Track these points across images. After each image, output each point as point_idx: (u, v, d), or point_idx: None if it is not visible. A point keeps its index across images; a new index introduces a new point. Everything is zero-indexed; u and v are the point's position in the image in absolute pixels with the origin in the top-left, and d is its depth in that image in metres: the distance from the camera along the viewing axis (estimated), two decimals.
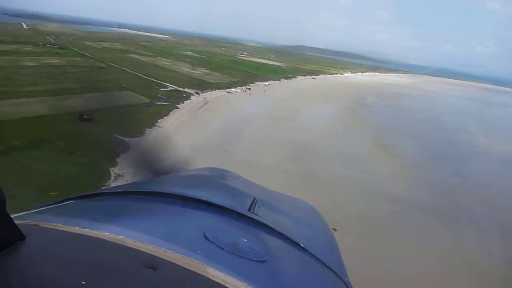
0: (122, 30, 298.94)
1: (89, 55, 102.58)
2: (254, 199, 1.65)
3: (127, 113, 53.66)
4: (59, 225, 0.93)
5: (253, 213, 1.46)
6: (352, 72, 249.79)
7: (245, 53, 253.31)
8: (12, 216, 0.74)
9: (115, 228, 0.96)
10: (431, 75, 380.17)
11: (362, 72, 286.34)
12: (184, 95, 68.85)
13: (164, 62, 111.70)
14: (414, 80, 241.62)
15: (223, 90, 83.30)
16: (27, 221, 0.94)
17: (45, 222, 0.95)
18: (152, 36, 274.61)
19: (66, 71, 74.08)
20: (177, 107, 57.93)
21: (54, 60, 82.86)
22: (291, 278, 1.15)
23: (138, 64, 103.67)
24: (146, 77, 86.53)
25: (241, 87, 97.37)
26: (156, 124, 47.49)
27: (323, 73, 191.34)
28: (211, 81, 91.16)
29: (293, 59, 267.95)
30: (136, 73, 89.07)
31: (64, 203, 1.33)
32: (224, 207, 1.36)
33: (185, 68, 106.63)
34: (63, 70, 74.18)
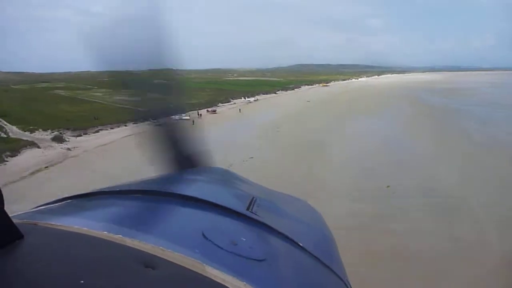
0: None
1: None
2: (253, 198, 1.57)
3: None
4: (58, 224, 0.92)
5: (251, 212, 1.40)
6: (367, 76, 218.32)
7: (235, 74, 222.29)
8: (10, 215, 0.75)
9: (113, 227, 0.94)
10: (445, 71, 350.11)
11: (378, 75, 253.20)
12: None
13: (95, 94, 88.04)
14: (440, 76, 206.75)
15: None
16: (25, 220, 0.92)
17: (44, 221, 0.93)
18: None
19: None
20: None
21: None
22: (289, 277, 1.13)
23: (38, 100, 73.96)
24: None
25: (197, 111, 54.67)
26: None
27: (333, 81, 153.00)
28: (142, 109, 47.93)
29: (293, 74, 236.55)
30: None
31: (62, 202, 1.31)
32: (222, 206, 1.33)
33: (121, 97, 68.74)
34: None
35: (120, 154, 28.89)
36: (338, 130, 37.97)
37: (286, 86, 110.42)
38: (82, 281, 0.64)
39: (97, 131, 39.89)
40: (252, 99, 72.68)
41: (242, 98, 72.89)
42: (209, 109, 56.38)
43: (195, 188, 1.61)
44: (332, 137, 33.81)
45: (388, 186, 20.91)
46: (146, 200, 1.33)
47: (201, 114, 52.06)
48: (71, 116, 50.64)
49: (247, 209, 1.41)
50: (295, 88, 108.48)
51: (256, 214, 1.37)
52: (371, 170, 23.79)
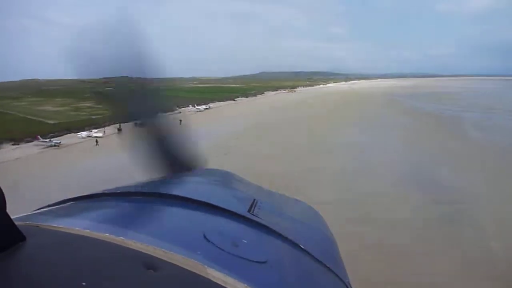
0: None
1: None
2: (254, 200, 1.60)
3: None
4: (60, 226, 0.92)
5: (253, 214, 1.42)
6: (334, 82, 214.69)
7: (195, 82, 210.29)
8: (12, 217, 0.75)
9: (115, 229, 0.95)
10: (409, 78, 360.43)
11: (345, 81, 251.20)
12: None
13: (19, 103, 76.95)
14: (409, 82, 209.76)
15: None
16: (27, 222, 0.93)
17: (46, 223, 0.94)
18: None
19: None
20: None
21: None
22: (291, 279, 1.14)
23: None
24: None
25: (118, 125, 32.98)
26: None
27: (300, 87, 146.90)
28: (52, 122, 47.33)
29: (258, 81, 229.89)
30: None
31: (64, 204, 1.33)
32: (224, 208, 1.35)
33: (47, 107, 68.70)
34: None
35: None
36: (314, 154, 26.12)
37: (248, 92, 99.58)
38: (84, 283, 0.65)
39: None
40: (203, 107, 60.54)
41: (190, 106, 59.94)
42: (138, 122, 42.61)
43: (196, 190, 1.62)
44: (308, 167, 21.71)
45: None
46: (148, 202, 1.33)
47: (121, 129, 37.84)
48: None
49: (249, 211, 1.41)
50: (258, 94, 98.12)
51: (257, 216, 1.38)
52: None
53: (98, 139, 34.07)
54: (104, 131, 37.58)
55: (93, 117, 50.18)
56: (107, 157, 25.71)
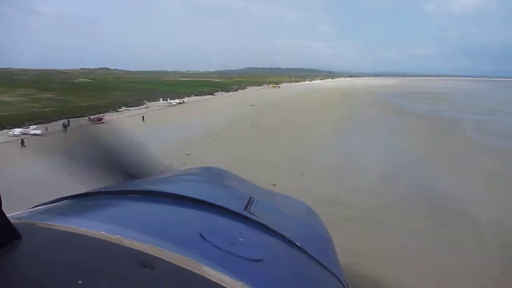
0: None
1: None
2: (251, 198, 1.61)
3: None
4: (56, 224, 0.92)
5: (249, 212, 1.43)
6: (320, 79, 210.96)
7: (177, 75, 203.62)
8: (7, 215, 0.75)
9: (111, 227, 0.95)
10: (394, 77, 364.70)
11: (332, 78, 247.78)
12: None
13: None
14: (394, 81, 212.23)
15: None
16: (23, 220, 0.93)
17: (42, 222, 0.94)
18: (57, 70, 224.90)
19: None
20: None
21: None
22: (287, 277, 1.15)
23: None
24: None
25: (66, 121, 31.89)
26: None
27: (284, 82, 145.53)
28: None
29: (243, 76, 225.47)
30: None
31: (60, 202, 1.32)
32: (220, 206, 1.36)
33: (3, 97, 60.06)
34: None
35: None
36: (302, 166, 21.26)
37: (229, 87, 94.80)
38: (80, 282, 0.64)
39: None
40: (175, 101, 54.94)
41: (161, 99, 54.93)
42: (93, 117, 36.55)
43: (192, 188, 1.65)
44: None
45: None
46: (144, 200, 1.34)
47: (66, 126, 31.59)
48: None
49: (245, 209, 1.43)
50: (240, 89, 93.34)
51: (253, 214, 1.39)
52: None
53: (32, 138, 27.25)
54: (46, 128, 31.02)
55: (46, 109, 44.04)
56: (16, 171, 18.71)
